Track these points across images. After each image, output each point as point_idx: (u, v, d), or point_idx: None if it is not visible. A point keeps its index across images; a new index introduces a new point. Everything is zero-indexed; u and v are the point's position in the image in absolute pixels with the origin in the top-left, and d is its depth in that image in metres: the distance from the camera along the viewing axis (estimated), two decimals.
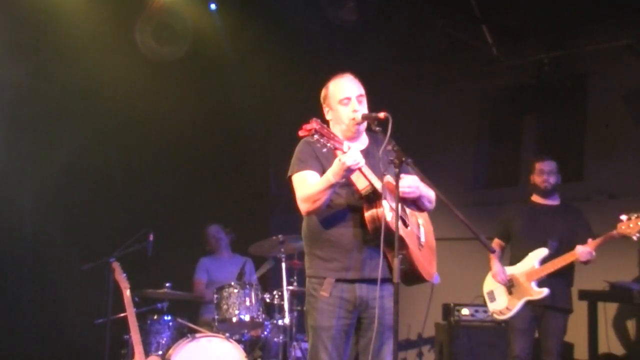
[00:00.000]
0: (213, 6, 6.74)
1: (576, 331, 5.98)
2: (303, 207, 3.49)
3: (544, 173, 5.32)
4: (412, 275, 3.50)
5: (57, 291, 6.47)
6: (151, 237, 5.66)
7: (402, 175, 3.39)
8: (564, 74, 6.91)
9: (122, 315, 5.38)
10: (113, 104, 6.70)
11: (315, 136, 3.18)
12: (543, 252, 5.17)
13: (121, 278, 5.36)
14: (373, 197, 3.41)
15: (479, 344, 6.28)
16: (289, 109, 7.17)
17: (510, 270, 5.31)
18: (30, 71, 6.34)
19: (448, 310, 6.50)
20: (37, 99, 6.46)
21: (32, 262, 6.53)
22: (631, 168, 6.55)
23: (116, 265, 5.43)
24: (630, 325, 6.36)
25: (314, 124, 3.18)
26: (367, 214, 3.42)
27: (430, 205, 3.73)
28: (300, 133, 3.21)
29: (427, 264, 3.65)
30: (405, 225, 3.52)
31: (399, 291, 3.23)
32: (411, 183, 3.52)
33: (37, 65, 6.38)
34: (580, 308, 5.96)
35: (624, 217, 4.88)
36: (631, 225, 4.83)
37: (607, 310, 6.28)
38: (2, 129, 6.28)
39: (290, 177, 3.59)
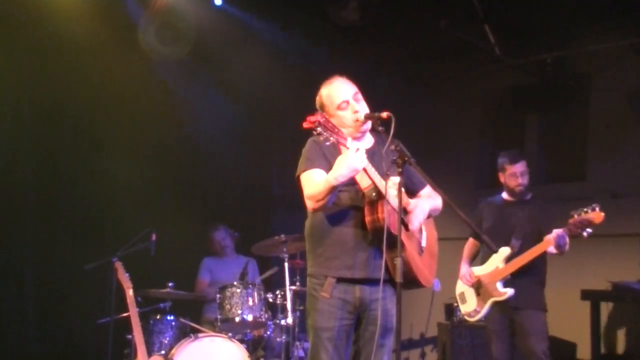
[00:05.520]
0: (218, 1, 6.68)
1: (578, 331, 5.99)
2: (309, 204, 3.48)
3: (517, 176, 5.06)
4: (408, 279, 3.46)
5: (60, 291, 6.48)
6: (154, 237, 5.66)
7: (409, 201, 3.45)
8: (566, 74, 6.91)
9: (124, 315, 5.38)
10: (114, 103, 6.70)
11: (319, 129, 3.17)
12: (506, 251, 5.00)
13: (124, 278, 5.36)
14: (375, 197, 3.40)
15: (481, 344, 6.26)
16: (292, 108, 7.18)
17: (478, 271, 5.17)
18: (31, 70, 6.35)
19: (450, 310, 6.51)
20: (38, 98, 6.47)
21: (34, 261, 6.54)
22: (634, 167, 6.54)
23: (119, 265, 5.43)
24: (633, 325, 6.36)
25: (318, 117, 3.18)
26: (368, 216, 3.41)
27: (436, 214, 3.73)
28: (305, 125, 3.19)
29: (426, 269, 3.63)
30: (407, 228, 3.50)
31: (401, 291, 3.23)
32: (418, 215, 3.50)
33: (40, 63, 6.39)
34: (582, 308, 5.97)
35: (574, 213, 4.73)
36: (578, 222, 4.69)
37: (610, 310, 6.27)
38: (4, 127, 6.29)
39: (298, 177, 3.58)
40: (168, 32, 6.64)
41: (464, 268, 5.27)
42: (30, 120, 6.53)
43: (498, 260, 5.04)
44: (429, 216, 3.69)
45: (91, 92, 6.65)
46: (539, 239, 4.91)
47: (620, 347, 6.31)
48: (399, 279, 3.22)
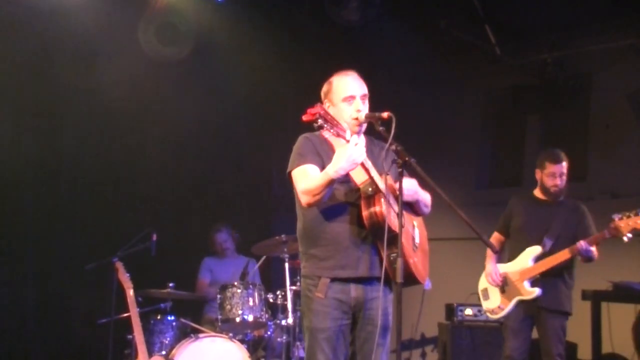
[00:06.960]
0: None
1: (579, 331, 5.98)
2: (304, 199, 3.43)
3: (556, 176, 5.01)
4: (405, 276, 3.39)
5: (61, 291, 6.48)
6: (154, 237, 5.66)
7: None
8: (567, 74, 6.90)
9: (125, 315, 5.38)
10: (115, 103, 6.70)
11: (320, 121, 3.15)
12: (537, 250, 4.99)
13: (124, 278, 5.36)
14: (372, 193, 3.38)
15: (481, 344, 6.28)
16: (292, 108, 7.18)
17: (504, 268, 5.15)
18: (33, 70, 6.35)
19: (451, 310, 6.51)
20: (40, 98, 6.46)
21: (35, 261, 6.54)
22: (634, 168, 6.54)
23: (119, 265, 5.43)
24: (634, 325, 6.35)
25: (318, 109, 3.16)
26: (365, 211, 3.38)
27: (427, 210, 3.71)
28: (304, 117, 3.16)
29: (421, 266, 3.62)
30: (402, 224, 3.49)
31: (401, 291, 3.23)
32: (410, 186, 3.50)
33: (40, 63, 6.39)
34: (583, 308, 5.96)
35: (616, 217, 4.75)
36: (622, 226, 4.71)
37: (611, 310, 6.26)
38: (5, 129, 6.29)
39: (290, 173, 3.54)
40: (168, 32, 6.63)
41: (489, 266, 5.20)
42: (31, 121, 6.54)
43: (527, 258, 5.02)
44: (418, 213, 3.69)
45: (91, 92, 6.64)
46: (572, 242, 4.88)
47: (621, 347, 6.30)
48: (399, 279, 3.20)
